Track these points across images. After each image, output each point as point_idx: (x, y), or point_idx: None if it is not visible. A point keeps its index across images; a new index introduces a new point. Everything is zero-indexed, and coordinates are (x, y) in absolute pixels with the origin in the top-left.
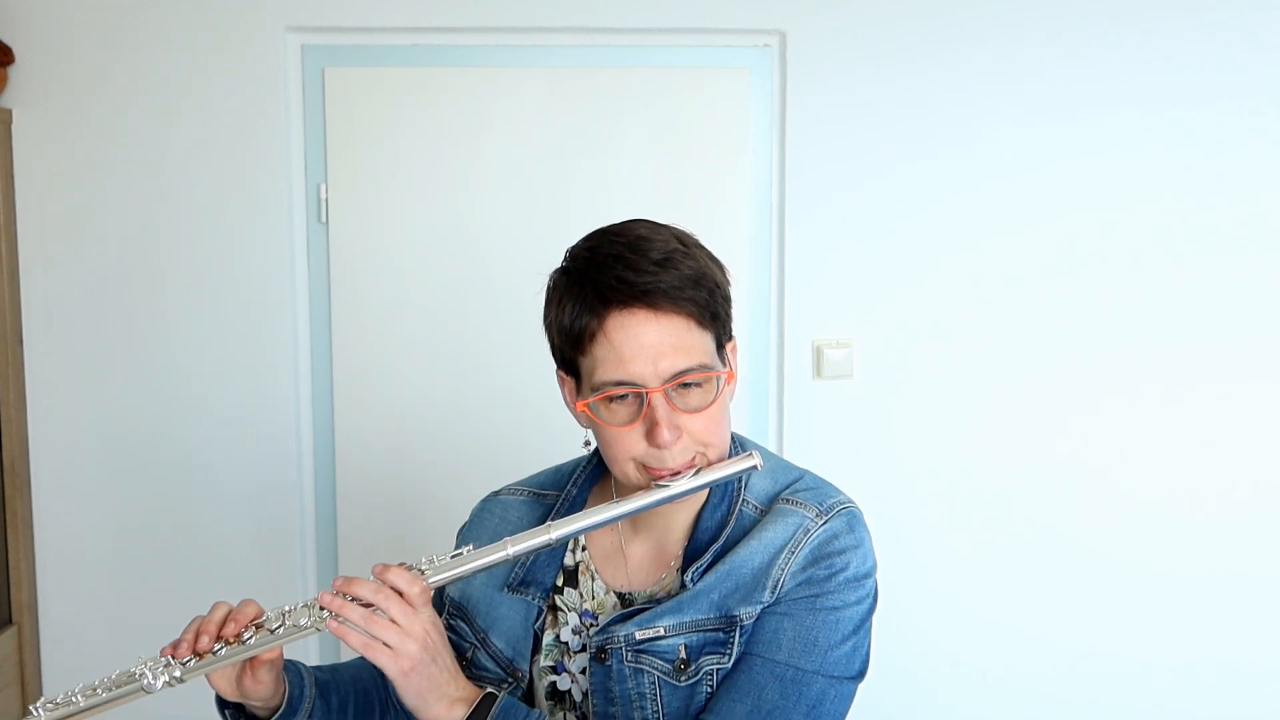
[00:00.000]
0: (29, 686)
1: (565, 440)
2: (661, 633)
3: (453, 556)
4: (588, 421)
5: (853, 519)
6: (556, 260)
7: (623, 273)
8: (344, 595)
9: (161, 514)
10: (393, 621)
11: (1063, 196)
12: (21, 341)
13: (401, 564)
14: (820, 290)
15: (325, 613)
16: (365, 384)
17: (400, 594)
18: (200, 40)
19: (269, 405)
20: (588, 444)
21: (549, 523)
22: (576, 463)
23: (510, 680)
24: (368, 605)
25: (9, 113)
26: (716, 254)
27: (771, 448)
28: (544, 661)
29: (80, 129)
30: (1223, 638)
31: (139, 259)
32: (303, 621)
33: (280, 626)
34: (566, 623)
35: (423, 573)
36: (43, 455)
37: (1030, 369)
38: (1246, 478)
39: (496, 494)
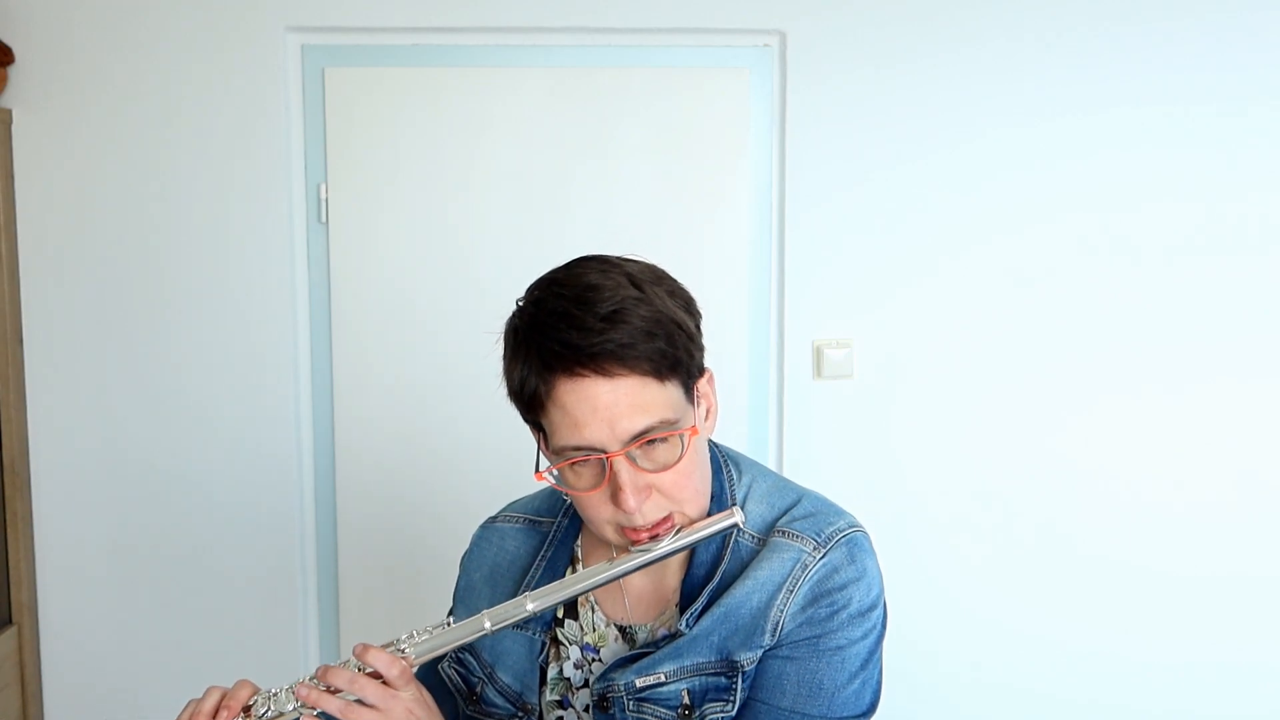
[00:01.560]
0: (29, 686)
1: None
2: (662, 679)
3: (434, 629)
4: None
5: (854, 546)
6: (556, 260)
7: (566, 333)
8: (321, 685)
9: (161, 513)
10: (371, 706)
11: (1063, 196)
12: (21, 341)
13: (388, 644)
14: (820, 290)
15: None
16: (365, 383)
17: (380, 676)
18: (200, 40)
19: (268, 405)
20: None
21: (526, 594)
22: None
23: (520, 714)
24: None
25: (9, 113)
26: (714, 256)
27: (771, 448)
28: (550, 696)
29: (80, 129)
30: (1223, 638)
31: (139, 259)
32: (288, 708)
33: (267, 712)
34: (568, 657)
35: (403, 651)
36: (43, 455)
37: (1030, 369)
38: (1247, 478)
39: (494, 520)
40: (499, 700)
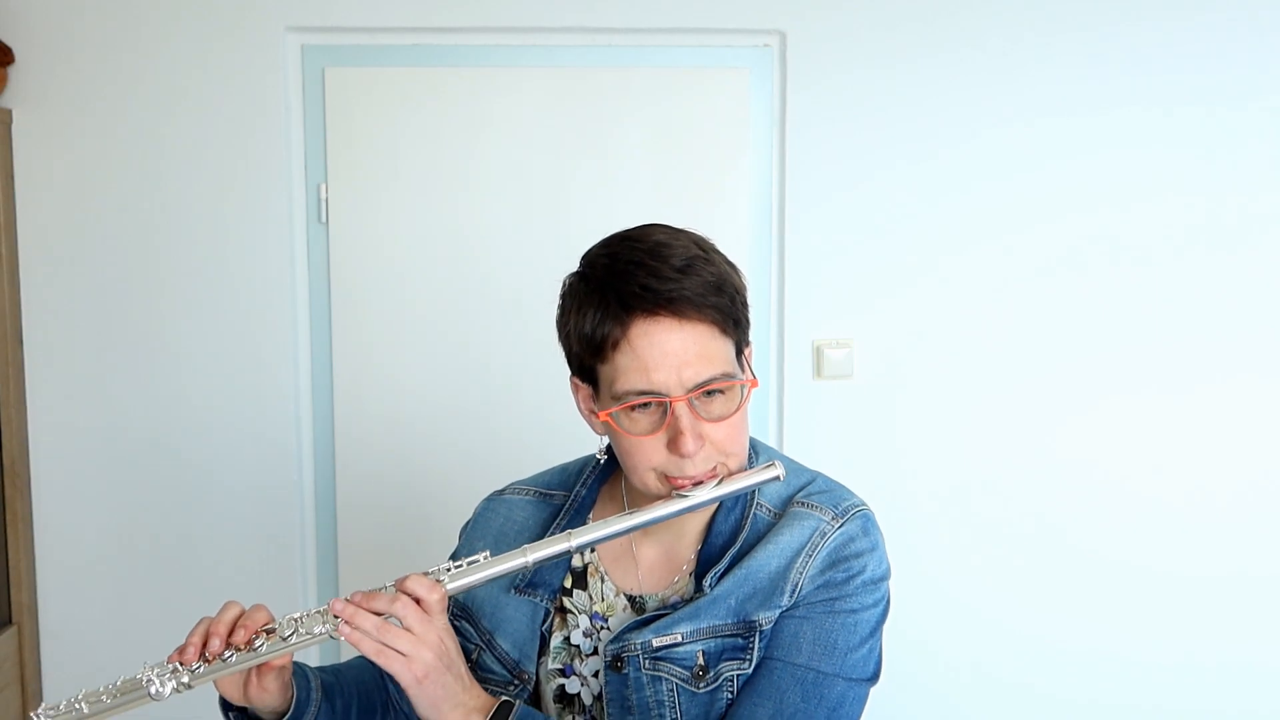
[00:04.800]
0: (29, 686)
1: (567, 440)
2: (679, 639)
3: (470, 563)
4: (606, 429)
5: (867, 522)
6: (556, 260)
7: (646, 280)
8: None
9: (161, 513)
10: (407, 629)
11: (1062, 196)
12: (21, 341)
13: (425, 573)
14: (820, 290)
15: (338, 619)
16: (365, 383)
17: (417, 601)
18: (200, 40)
19: (269, 404)
20: (605, 452)
21: (568, 531)
22: (584, 462)
23: (516, 682)
24: (381, 614)
25: (9, 113)
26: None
27: (771, 448)
28: (551, 664)
29: (80, 129)
30: (1223, 637)
31: (139, 259)
32: (316, 629)
33: (293, 634)
34: (577, 625)
35: (440, 581)
36: (43, 455)
37: (1030, 368)
38: (1248, 477)
39: (500, 493)
40: (496, 667)
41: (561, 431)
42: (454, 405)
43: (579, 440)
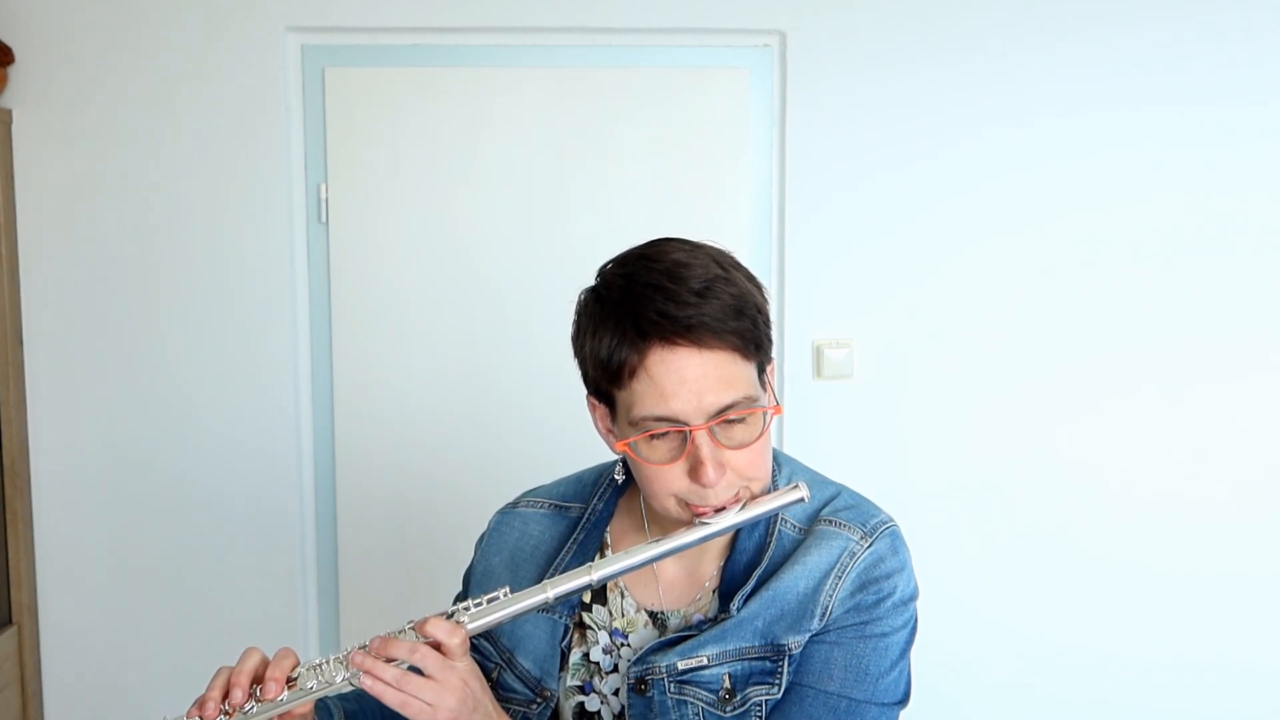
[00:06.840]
0: (29, 687)
1: (571, 442)
2: (705, 662)
3: (490, 601)
4: (624, 456)
5: (895, 539)
6: (557, 260)
7: (663, 305)
8: (377, 655)
9: (162, 512)
10: (429, 677)
11: (1062, 196)
12: (21, 342)
13: (443, 614)
14: (820, 290)
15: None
16: (365, 383)
17: (439, 645)
18: (200, 40)
19: (268, 405)
20: (623, 471)
21: (590, 564)
22: (598, 471)
23: (539, 701)
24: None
25: (9, 113)
26: None
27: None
28: (570, 681)
29: (80, 129)
30: (1223, 638)
31: (139, 259)
32: (338, 677)
33: (314, 683)
34: (596, 641)
35: (460, 623)
36: (43, 455)
37: (1030, 369)
38: (1248, 477)
39: (514, 505)
40: (518, 686)
41: (568, 434)
42: (454, 405)
43: (587, 444)
